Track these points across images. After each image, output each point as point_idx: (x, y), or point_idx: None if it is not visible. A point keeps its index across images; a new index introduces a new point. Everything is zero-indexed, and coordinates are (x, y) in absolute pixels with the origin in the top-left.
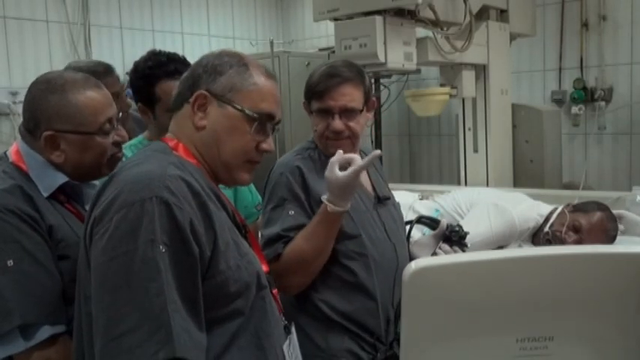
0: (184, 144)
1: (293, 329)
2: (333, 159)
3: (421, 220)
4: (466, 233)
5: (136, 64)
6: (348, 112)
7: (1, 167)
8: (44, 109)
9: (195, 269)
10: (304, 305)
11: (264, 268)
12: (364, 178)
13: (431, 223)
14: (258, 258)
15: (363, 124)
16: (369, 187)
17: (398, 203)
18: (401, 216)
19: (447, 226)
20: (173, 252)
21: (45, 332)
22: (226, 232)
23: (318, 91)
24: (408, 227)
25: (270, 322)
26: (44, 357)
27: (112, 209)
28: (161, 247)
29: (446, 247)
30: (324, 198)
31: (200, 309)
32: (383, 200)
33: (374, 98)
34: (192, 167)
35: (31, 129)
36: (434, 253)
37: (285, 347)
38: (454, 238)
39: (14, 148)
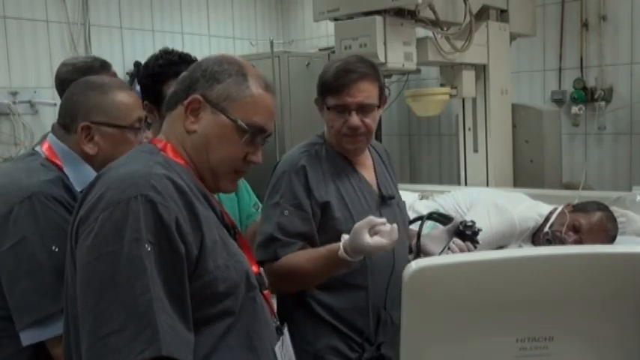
0: (173, 145)
1: (286, 330)
2: (362, 224)
3: (432, 216)
4: (480, 229)
5: (147, 62)
6: (364, 109)
7: (38, 161)
8: (83, 103)
9: (181, 267)
10: (297, 301)
11: (254, 269)
12: (370, 175)
13: (442, 219)
14: (247, 259)
15: (377, 119)
16: (374, 186)
17: (403, 202)
18: (405, 216)
19: (461, 222)
20: (159, 250)
21: None
22: (214, 231)
23: (334, 88)
24: (419, 223)
25: (261, 322)
26: None
27: (97, 208)
28: (146, 245)
29: (459, 242)
30: (342, 241)
31: (187, 307)
32: (387, 200)
33: (386, 94)
34: (180, 167)
35: (66, 124)
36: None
37: (277, 348)
38: (468, 232)
39: (45, 145)
